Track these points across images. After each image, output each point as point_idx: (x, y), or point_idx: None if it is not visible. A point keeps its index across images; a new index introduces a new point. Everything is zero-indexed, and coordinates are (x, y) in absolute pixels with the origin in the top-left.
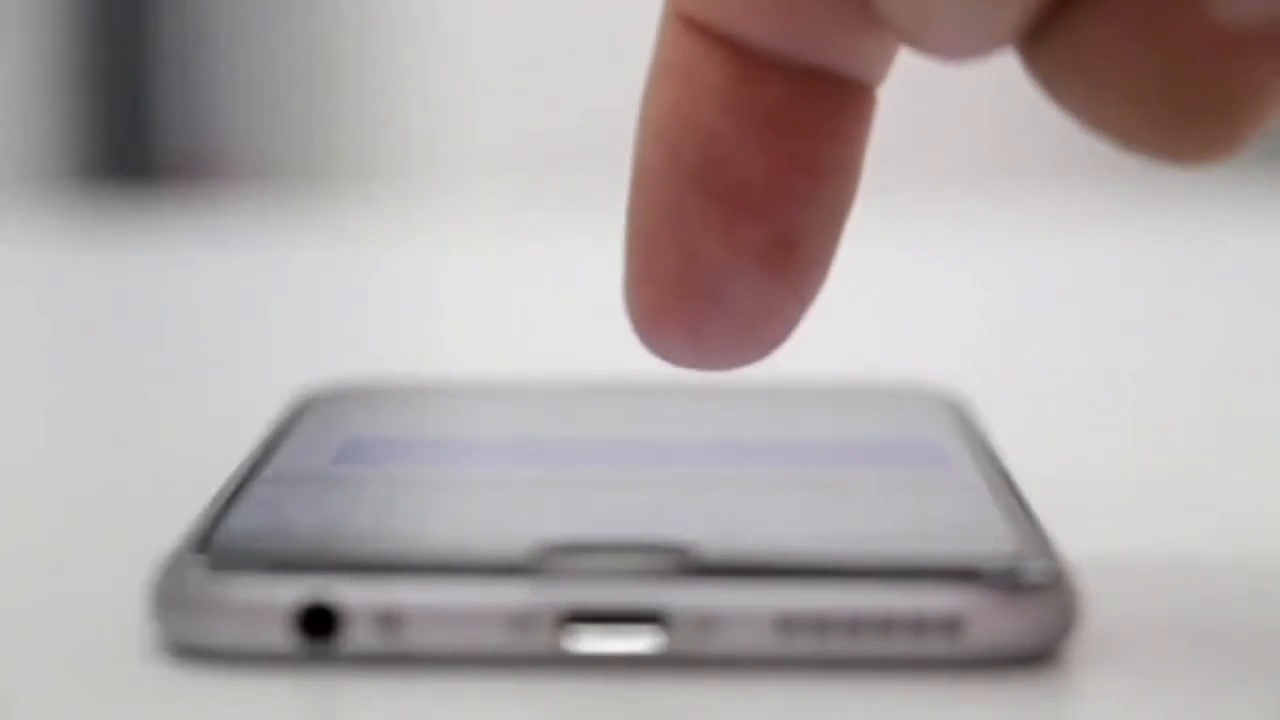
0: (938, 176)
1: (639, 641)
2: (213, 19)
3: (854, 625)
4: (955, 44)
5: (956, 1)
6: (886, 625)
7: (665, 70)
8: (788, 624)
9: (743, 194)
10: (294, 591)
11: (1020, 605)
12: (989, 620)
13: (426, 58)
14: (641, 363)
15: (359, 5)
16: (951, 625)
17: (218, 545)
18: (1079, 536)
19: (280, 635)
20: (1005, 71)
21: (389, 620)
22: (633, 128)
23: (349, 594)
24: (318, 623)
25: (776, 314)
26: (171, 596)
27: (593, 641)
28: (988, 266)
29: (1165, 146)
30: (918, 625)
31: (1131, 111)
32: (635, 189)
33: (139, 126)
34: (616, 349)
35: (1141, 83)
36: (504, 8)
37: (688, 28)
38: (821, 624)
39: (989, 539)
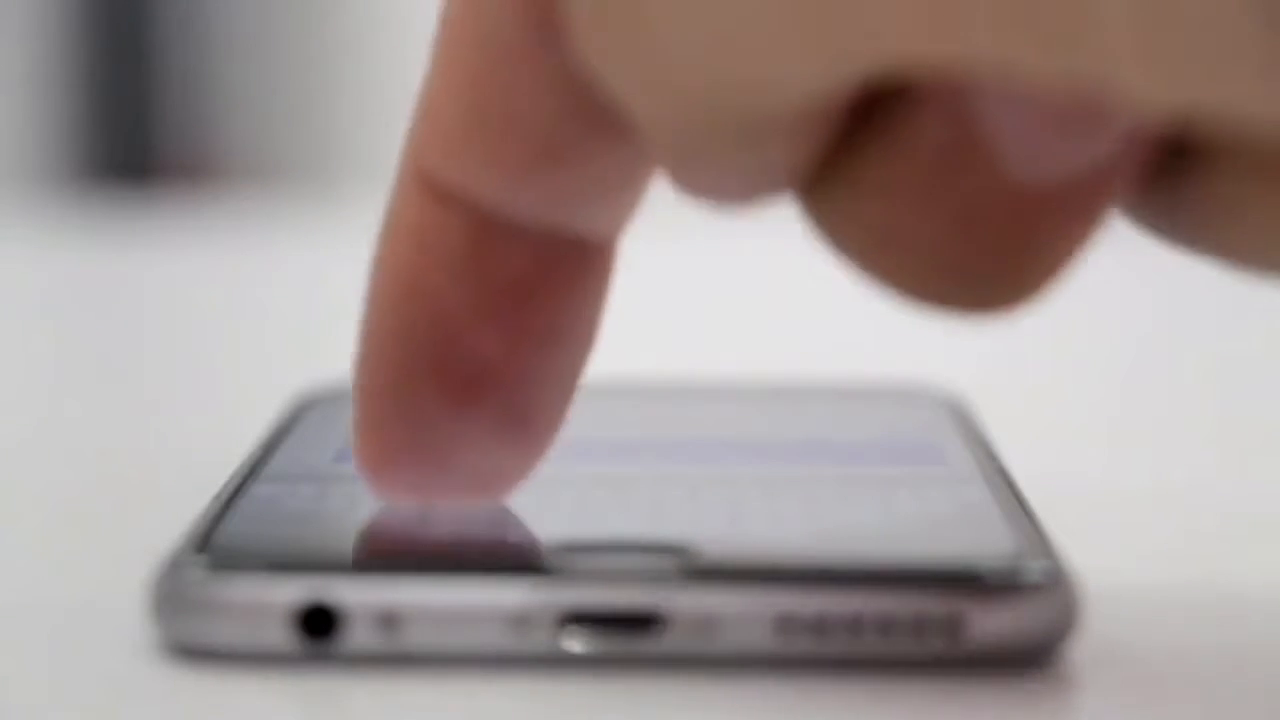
0: None
1: (639, 642)
2: (213, 20)
3: (854, 626)
4: (720, 193)
5: (714, 152)
6: (886, 625)
7: (399, 233)
8: (787, 624)
9: (476, 373)
10: (294, 591)
11: (1020, 605)
12: (989, 620)
13: (425, 58)
14: (640, 363)
15: (359, 5)
16: (951, 625)
17: (218, 545)
18: (1079, 536)
19: (280, 635)
20: None
21: (389, 620)
22: None
23: (349, 594)
24: (318, 623)
25: (507, 474)
26: (171, 596)
27: (593, 641)
28: None
29: (955, 300)
30: (918, 625)
31: (919, 266)
32: (363, 354)
33: (138, 126)
34: (615, 348)
35: (931, 239)
36: None
37: (425, 189)
38: (821, 624)
39: (989, 539)
